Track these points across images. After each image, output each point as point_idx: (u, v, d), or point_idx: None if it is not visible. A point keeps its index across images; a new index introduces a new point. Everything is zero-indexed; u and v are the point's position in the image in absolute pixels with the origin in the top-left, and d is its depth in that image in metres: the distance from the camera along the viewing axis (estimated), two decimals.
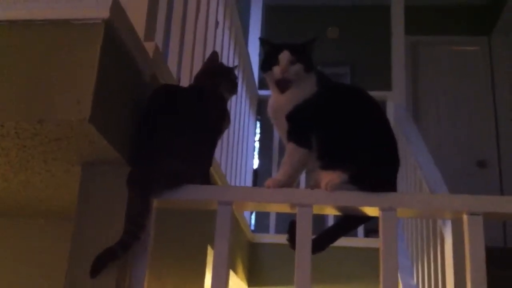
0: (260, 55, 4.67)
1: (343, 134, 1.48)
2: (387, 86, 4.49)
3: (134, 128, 1.47)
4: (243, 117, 3.89)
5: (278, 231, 4.13)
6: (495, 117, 5.72)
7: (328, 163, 1.47)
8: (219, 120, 1.61)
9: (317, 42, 1.59)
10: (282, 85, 1.54)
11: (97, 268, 1.29)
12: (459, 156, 5.65)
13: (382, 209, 1.42)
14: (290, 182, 1.49)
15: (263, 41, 1.63)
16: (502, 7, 5.59)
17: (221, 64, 1.75)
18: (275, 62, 1.53)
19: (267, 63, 1.56)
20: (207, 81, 1.65)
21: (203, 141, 1.54)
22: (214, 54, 1.74)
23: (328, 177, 1.44)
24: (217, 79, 1.65)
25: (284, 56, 1.53)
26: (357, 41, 6.12)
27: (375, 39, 5.88)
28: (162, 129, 1.47)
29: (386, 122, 1.52)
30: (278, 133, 1.59)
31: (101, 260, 1.30)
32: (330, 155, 1.47)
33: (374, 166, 1.45)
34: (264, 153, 5.36)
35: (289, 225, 1.48)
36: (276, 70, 1.53)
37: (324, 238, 1.53)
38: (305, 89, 1.52)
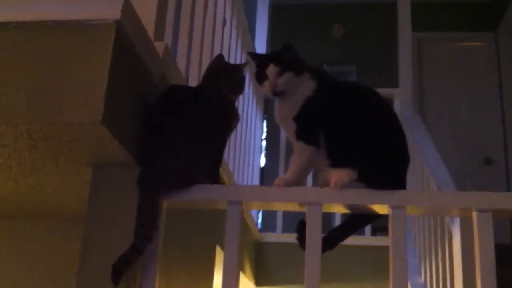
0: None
1: (351, 132, 1.48)
2: (394, 83, 4.49)
3: (143, 129, 1.48)
4: (250, 116, 3.89)
5: (285, 230, 4.14)
6: (502, 114, 5.69)
7: (337, 161, 1.47)
8: (226, 120, 1.62)
9: (292, 45, 1.59)
10: (278, 95, 1.56)
11: (117, 277, 1.30)
12: (465, 153, 5.64)
13: (392, 207, 1.42)
14: (299, 181, 1.49)
15: (250, 55, 1.67)
16: (509, 2, 5.58)
17: (225, 64, 1.75)
18: (265, 77, 1.55)
19: (258, 77, 1.58)
20: (211, 82, 1.66)
21: (210, 141, 1.54)
22: (219, 57, 1.75)
23: (337, 176, 1.44)
24: (219, 79, 1.65)
25: (271, 71, 1.54)
26: (363, 39, 6.11)
27: (381, 36, 5.88)
28: (169, 130, 1.48)
29: (395, 119, 1.52)
30: (287, 134, 1.60)
31: (118, 268, 1.30)
32: (339, 153, 1.47)
33: (383, 164, 1.45)
34: (271, 151, 5.36)
35: (298, 224, 1.49)
36: (266, 86, 1.55)
37: (333, 236, 1.54)
38: (303, 88, 1.53)
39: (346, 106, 1.52)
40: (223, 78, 1.66)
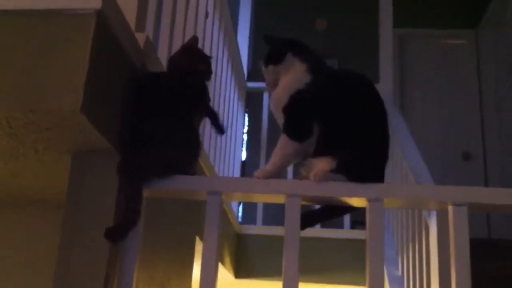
0: (249, 46, 4.68)
1: (337, 124, 1.48)
2: (375, 78, 4.51)
3: (125, 117, 1.48)
4: (232, 109, 3.89)
5: (265, 222, 4.15)
6: (481, 110, 5.78)
7: (319, 152, 1.48)
8: (204, 102, 1.63)
9: (268, 36, 1.66)
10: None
11: (118, 236, 1.33)
12: (444, 148, 5.71)
13: (369, 200, 1.43)
14: (279, 173, 1.50)
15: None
16: (489, 1, 5.64)
17: (200, 50, 1.75)
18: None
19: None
20: (187, 64, 1.65)
21: (194, 127, 1.55)
22: (196, 39, 1.74)
23: (318, 166, 1.45)
24: (199, 63, 1.66)
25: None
26: (345, 33, 6.14)
27: (363, 31, 5.91)
28: (152, 117, 1.48)
29: (382, 112, 1.52)
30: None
31: (122, 229, 1.33)
32: (323, 144, 1.48)
33: (364, 156, 1.46)
34: (252, 145, 5.38)
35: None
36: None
37: (311, 216, 1.56)
38: (295, 78, 1.53)
39: (334, 98, 1.51)
40: (202, 63, 1.67)
